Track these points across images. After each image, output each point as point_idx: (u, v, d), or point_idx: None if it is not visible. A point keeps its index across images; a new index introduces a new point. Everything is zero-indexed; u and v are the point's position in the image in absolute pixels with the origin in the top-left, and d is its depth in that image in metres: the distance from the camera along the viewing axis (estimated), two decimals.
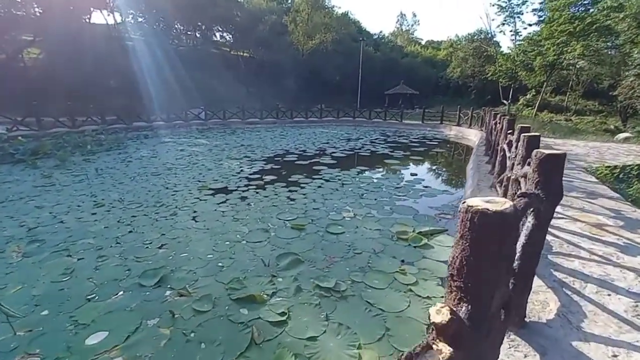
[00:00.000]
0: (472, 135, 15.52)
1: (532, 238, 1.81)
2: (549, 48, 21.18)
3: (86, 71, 23.45)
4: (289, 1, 41.98)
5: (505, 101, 27.11)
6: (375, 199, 6.37)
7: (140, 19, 31.84)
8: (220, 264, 3.89)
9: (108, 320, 2.92)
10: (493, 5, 27.18)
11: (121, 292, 3.34)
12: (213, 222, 5.13)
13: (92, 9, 28.57)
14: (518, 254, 1.75)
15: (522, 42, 26.17)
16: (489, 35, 31.86)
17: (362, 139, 15.42)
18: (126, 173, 8.18)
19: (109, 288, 3.41)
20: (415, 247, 4.35)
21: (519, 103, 28.03)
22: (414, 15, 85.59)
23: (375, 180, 7.80)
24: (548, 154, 1.87)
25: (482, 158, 8.61)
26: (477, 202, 0.98)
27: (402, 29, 68.19)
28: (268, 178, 7.90)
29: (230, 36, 38.73)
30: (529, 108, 26.09)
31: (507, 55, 27.80)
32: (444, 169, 10.18)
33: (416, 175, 8.56)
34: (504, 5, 26.00)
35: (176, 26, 34.79)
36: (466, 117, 18.10)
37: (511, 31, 27.18)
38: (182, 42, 34.31)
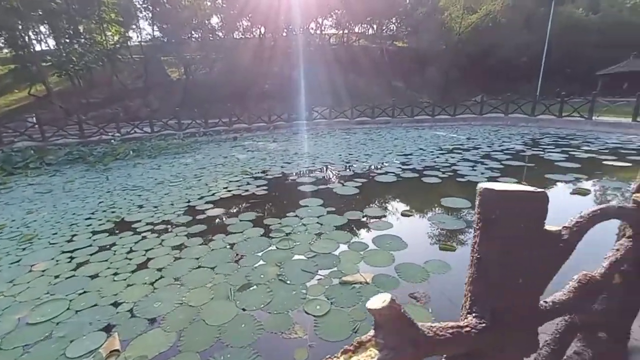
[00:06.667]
0: None
1: None
2: None
3: (248, 78, 26.74)
4: None
5: None
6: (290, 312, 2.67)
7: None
8: None
9: None
10: None
11: None
12: None
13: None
14: None
15: None
16: None
17: (470, 151, 9.80)
18: (84, 192, 6.98)
19: None
20: None
21: None
22: None
23: (343, 253, 3.72)
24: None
25: None
26: None
27: None
28: (212, 213, 5.30)
29: (394, 27, 35.13)
30: None
31: None
32: None
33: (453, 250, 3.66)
34: None
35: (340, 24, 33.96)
36: None
37: None
38: (333, 42, 34.14)
